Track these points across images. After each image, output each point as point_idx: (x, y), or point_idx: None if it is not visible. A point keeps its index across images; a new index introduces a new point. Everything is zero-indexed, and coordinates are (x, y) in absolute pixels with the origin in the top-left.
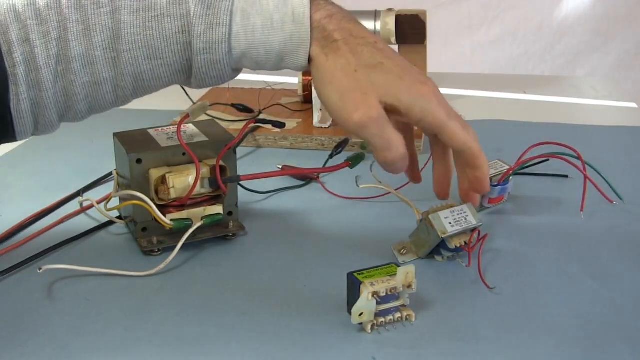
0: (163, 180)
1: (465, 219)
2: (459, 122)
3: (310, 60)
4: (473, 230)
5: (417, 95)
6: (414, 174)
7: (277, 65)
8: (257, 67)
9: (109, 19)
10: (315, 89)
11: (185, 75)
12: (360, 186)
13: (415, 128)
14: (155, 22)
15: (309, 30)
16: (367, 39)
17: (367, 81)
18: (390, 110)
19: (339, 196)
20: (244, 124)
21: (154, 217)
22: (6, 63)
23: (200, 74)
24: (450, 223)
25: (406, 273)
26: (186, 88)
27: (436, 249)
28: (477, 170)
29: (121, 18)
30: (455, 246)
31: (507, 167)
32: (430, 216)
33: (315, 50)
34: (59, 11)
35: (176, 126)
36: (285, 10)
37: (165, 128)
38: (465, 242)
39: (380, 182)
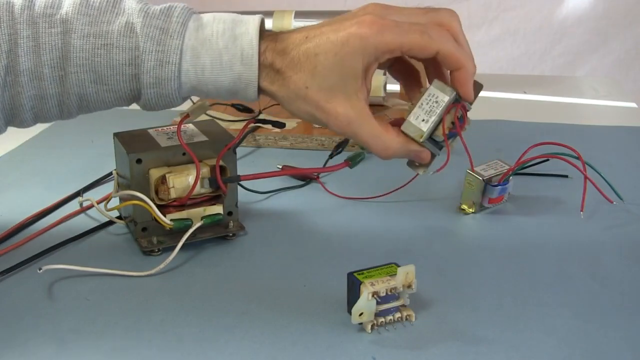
0: (163, 180)
1: (437, 101)
2: (414, 30)
3: (264, 92)
4: (453, 104)
5: (357, 48)
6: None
7: (228, 98)
8: (208, 97)
9: (60, 39)
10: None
11: (133, 101)
12: None
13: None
14: (104, 50)
15: (257, 70)
16: (297, 44)
17: (320, 92)
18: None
19: (339, 196)
20: (244, 124)
21: (154, 217)
22: None
23: (149, 103)
24: (423, 120)
25: (406, 273)
26: None
27: (435, 146)
28: (459, 72)
29: (71, 41)
30: (448, 132)
31: (507, 167)
32: (402, 128)
33: (266, 85)
34: (10, 24)
35: (176, 126)
36: (234, 51)
37: (165, 128)
38: (452, 123)
39: None
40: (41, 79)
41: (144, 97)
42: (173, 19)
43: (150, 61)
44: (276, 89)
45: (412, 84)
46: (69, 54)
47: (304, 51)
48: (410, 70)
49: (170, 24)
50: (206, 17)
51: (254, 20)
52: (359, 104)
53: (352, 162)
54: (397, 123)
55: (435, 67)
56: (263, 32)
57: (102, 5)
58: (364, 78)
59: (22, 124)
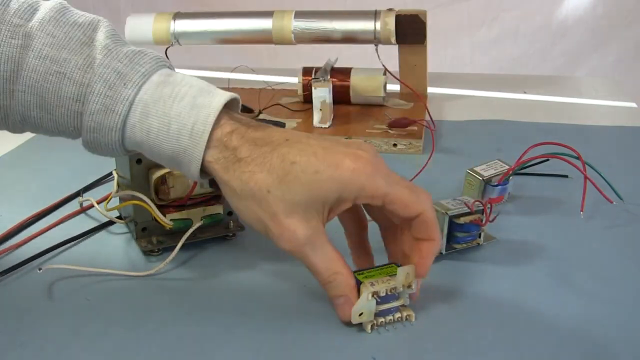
0: (163, 180)
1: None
2: (403, 185)
3: (212, 176)
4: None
5: (342, 179)
6: (361, 261)
7: (171, 167)
8: (152, 159)
9: (18, 52)
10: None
11: (77, 137)
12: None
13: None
14: (56, 78)
15: (204, 149)
16: (274, 142)
17: (282, 202)
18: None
19: None
20: None
21: (154, 217)
22: None
23: (89, 145)
24: (452, 205)
25: (406, 273)
26: None
27: (451, 236)
28: (429, 243)
29: (27, 58)
30: (466, 222)
31: (507, 167)
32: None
33: (217, 170)
34: None
35: None
36: (186, 121)
37: None
38: (475, 219)
39: None
40: None
41: (83, 138)
42: (135, 67)
43: (96, 104)
44: (229, 178)
45: (358, 234)
46: (21, 71)
47: (281, 153)
48: (360, 221)
49: (130, 71)
50: (176, 75)
51: (223, 95)
52: (320, 228)
53: None
54: (396, 124)
55: (393, 232)
56: (234, 112)
57: (72, 29)
58: (331, 211)
59: None
